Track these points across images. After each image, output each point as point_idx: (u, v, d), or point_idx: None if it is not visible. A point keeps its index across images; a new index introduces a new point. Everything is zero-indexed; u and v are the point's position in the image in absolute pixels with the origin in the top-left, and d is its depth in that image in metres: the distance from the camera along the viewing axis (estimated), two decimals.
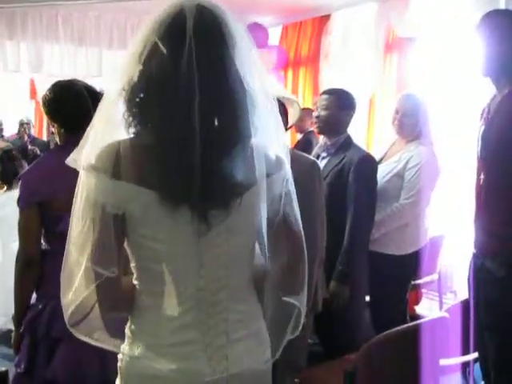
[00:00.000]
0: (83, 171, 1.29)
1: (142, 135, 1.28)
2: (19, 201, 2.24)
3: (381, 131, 5.59)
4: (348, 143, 3.10)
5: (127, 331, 1.37)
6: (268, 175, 1.33)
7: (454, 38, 4.82)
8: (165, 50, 1.24)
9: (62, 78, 2.43)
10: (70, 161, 1.33)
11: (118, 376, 1.39)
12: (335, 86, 3.49)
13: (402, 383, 2.22)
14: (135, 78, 1.26)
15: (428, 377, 2.22)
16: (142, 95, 1.26)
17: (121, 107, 1.29)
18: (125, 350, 1.36)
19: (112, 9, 6.83)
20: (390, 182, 3.27)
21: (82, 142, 1.32)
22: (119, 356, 1.38)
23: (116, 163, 1.26)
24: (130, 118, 1.28)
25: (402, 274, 3.36)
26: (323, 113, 3.11)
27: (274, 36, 7.37)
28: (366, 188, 3.00)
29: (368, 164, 3.05)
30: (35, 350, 2.23)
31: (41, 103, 2.34)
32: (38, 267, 2.24)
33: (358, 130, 4.01)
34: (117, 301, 1.37)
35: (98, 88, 2.36)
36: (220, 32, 1.27)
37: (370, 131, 5.88)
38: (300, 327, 1.47)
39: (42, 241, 2.29)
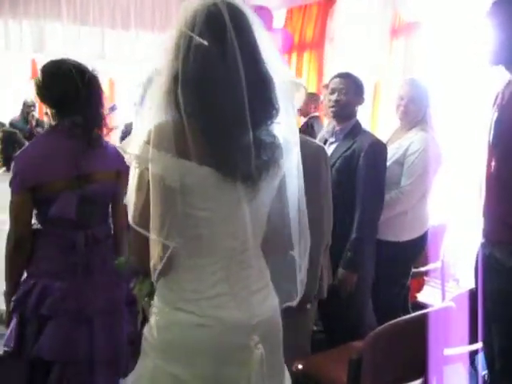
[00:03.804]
0: (142, 150, 1.45)
1: (198, 116, 1.44)
2: (11, 183, 2.23)
3: (385, 117, 5.54)
4: (358, 129, 3.06)
5: (163, 288, 1.56)
6: (289, 151, 1.57)
7: (461, 23, 4.76)
8: (205, 42, 1.41)
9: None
10: (120, 148, 1.52)
11: (155, 327, 1.56)
12: (340, 70, 3.41)
13: (406, 372, 2.22)
14: (182, 69, 1.43)
15: (432, 366, 2.21)
16: (195, 82, 1.43)
17: (170, 95, 1.45)
18: (163, 304, 1.55)
19: None
20: (390, 169, 3.22)
21: (134, 127, 1.53)
22: (154, 310, 1.57)
23: (176, 141, 1.43)
24: (185, 103, 1.43)
25: (401, 261, 3.36)
26: (343, 97, 3.03)
27: (279, 19, 7.31)
28: (375, 175, 2.96)
29: (378, 150, 3.00)
30: (24, 329, 2.25)
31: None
32: (29, 247, 2.26)
33: (362, 116, 3.96)
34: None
35: (90, 67, 2.33)
36: (248, 23, 1.48)
37: (374, 117, 5.84)
38: (303, 274, 1.69)
39: (35, 220, 2.30)
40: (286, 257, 1.65)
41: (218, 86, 1.42)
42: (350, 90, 3.03)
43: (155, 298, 1.59)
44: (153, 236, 1.47)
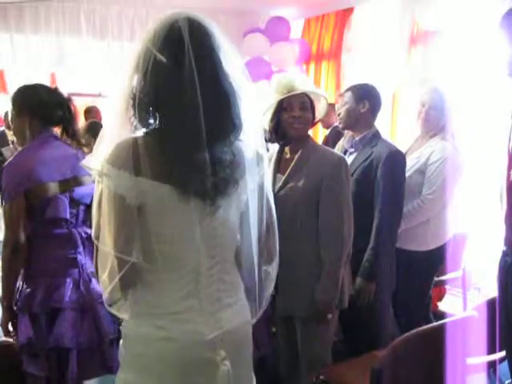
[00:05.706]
0: (102, 167, 1.45)
1: (155, 134, 1.46)
2: (4, 192, 2.33)
3: (404, 125, 5.53)
4: (376, 138, 3.04)
5: (131, 302, 1.55)
6: (253, 167, 1.58)
7: (479, 32, 4.74)
8: (164, 59, 1.42)
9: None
10: (83, 166, 1.51)
11: (124, 340, 1.59)
12: (358, 80, 3.43)
13: (428, 381, 2.20)
14: (140, 85, 1.44)
15: (455, 375, 2.20)
16: (151, 99, 1.44)
17: (128, 111, 1.46)
18: (131, 318, 1.56)
19: (134, 3, 6.86)
20: (412, 177, 3.22)
21: (95, 146, 1.49)
22: (124, 323, 1.58)
23: (134, 160, 1.43)
24: (142, 120, 1.45)
25: (423, 270, 3.34)
26: (342, 109, 3.10)
27: (297, 29, 7.33)
28: (394, 184, 2.94)
29: (396, 160, 2.97)
30: (35, 323, 2.35)
31: (13, 98, 2.48)
32: (24, 251, 2.36)
33: (381, 124, 3.97)
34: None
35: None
36: (210, 40, 1.47)
37: (393, 125, 5.83)
38: (272, 288, 1.73)
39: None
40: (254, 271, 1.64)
41: (173, 104, 1.43)
42: (348, 100, 3.06)
43: (125, 310, 1.58)
44: (111, 251, 1.46)
